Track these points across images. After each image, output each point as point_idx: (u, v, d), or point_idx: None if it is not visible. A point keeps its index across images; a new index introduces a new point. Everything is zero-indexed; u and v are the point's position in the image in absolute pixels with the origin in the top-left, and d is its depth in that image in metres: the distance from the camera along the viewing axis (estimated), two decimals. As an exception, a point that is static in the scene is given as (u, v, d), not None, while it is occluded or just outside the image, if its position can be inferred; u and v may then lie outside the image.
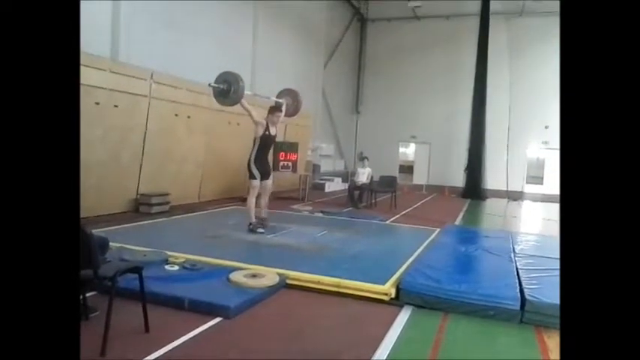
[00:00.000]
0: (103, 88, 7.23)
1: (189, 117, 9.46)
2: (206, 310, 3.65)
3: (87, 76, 6.89)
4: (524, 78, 18.14)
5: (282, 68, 14.21)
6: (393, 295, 4.25)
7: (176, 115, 9.10)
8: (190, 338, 3.21)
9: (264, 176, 6.86)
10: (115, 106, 7.57)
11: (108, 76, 7.33)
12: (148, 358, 2.87)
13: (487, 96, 17.08)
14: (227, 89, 6.30)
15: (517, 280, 4.48)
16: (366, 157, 12.30)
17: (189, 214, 8.31)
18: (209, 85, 6.37)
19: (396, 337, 3.45)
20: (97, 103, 7.15)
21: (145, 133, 8.29)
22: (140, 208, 8.22)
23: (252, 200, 6.81)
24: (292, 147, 11.62)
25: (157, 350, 2.97)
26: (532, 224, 11.54)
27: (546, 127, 17.81)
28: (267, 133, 6.79)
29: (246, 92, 11.91)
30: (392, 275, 4.66)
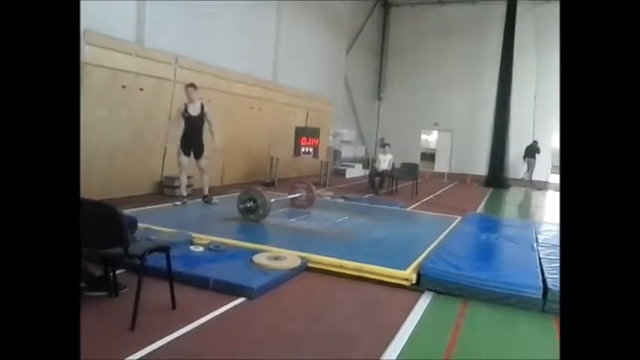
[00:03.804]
0: (129, 71, 7.36)
1: (209, 100, 9.53)
2: (230, 290, 3.74)
3: (114, 59, 7.02)
4: (551, 65, 17.68)
5: (305, 54, 14.20)
6: (414, 281, 4.27)
7: (199, 98, 9.18)
8: (216, 316, 3.31)
9: (193, 155, 7.14)
10: (141, 89, 7.70)
11: (134, 60, 7.46)
12: (175, 333, 2.97)
13: (512, 84, 16.76)
14: (253, 207, 6.20)
15: (540, 269, 4.46)
16: (388, 144, 12.23)
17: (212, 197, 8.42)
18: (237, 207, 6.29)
19: (415, 322, 3.48)
20: (124, 87, 7.29)
21: (169, 116, 8.41)
22: (165, 190, 8.38)
23: (182, 176, 7.35)
24: (314, 132, 11.64)
25: (184, 326, 3.07)
26: (556, 214, 11.33)
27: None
28: (185, 114, 6.87)
29: (269, 79, 11.95)
30: (413, 261, 4.68)
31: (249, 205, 6.17)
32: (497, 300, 3.97)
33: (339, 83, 17.12)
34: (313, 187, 7.82)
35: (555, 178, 18.32)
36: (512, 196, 14.16)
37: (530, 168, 17.82)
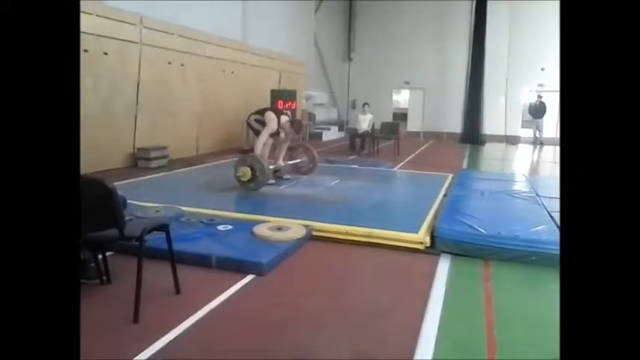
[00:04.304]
0: (90, 33, 6.64)
1: (182, 65, 8.90)
2: (236, 267, 3.38)
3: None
4: (523, 18, 17.47)
5: (273, 13, 13.42)
6: (428, 244, 4.02)
7: (169, 63, 8.54)
8: (227, 298, 2.95)
9: None
10: (105, 53, 7.01)
11: (94, 20, 6.72)
12: (186, 322, 2.60)
13: (486, 39, 16.52)
14: (252, 176, 5.68)
15: (555, 224, 4.28)
16: (367, 103, 11.87)
17: (191, 168, 7.93)
18: (235, 176, 5.76)
19: (443, 289, 3.23)
20: (86, 51, 6.58)
21: (138, 82, 7.75)
22: (138, 162, 7.81)
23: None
24: (291, 95, 11.11)
25: (194, 313, 2.70)
26: (540, 167, 11.28)
27: (542, 69, 17.35)
28: None
29: (239, 41, 11.25)
30: (422, 223, 4.43)
31: (247, 172, 5.69)
32: (518, 258, 3.78)
33: (309, 44, 16.44)
34: (315, 151, 7.38)
35: (525, 132, 18.28)
36: (491, 152, 14.15)
37: (539, 129, 15.89)
